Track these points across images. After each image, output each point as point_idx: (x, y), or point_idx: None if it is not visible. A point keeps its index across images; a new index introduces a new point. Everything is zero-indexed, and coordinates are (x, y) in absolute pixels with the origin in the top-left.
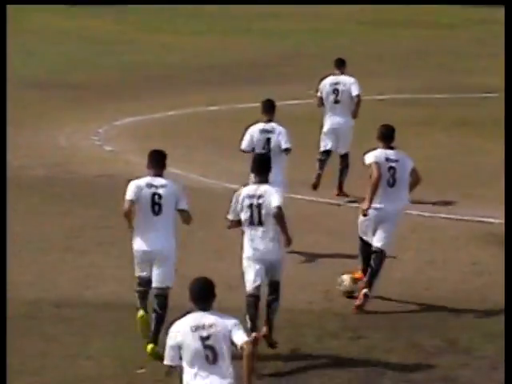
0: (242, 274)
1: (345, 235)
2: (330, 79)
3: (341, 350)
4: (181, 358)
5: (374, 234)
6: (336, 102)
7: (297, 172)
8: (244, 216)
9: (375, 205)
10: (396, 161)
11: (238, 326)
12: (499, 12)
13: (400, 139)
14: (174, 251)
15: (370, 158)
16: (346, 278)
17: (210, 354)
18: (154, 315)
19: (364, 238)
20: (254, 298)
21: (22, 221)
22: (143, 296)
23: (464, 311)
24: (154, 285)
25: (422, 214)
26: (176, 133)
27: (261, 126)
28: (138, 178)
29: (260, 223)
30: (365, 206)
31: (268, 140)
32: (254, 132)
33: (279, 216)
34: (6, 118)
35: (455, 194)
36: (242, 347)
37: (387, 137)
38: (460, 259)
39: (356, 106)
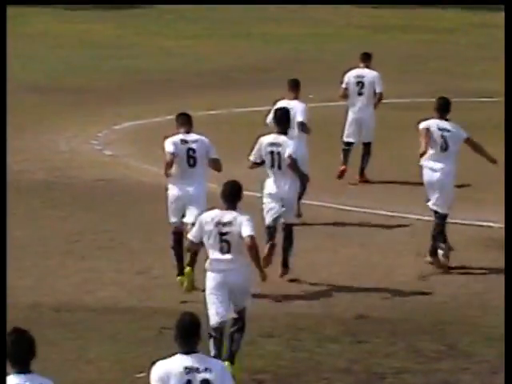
0: None
1: (345, 238)
2: (354, 72)
3: (341, 355)
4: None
5: (432, 195)
6: (359, 94)
7: None
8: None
9: (430, 165)
10: (448, 131)
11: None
12: (499, 16)
13: (400, 143)
14: (204, 196)
15: (422, 124)
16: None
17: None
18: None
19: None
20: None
21: (22, 225)
22: (179, 240)
23: (464, 316)
24: (185, 219)
25: (421, 217)
26: None
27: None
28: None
29: None
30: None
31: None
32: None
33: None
34: (6, 122)
35: (457, 198)
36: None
37: (442, 108)
38: (460, 263)
39: (377, 101)
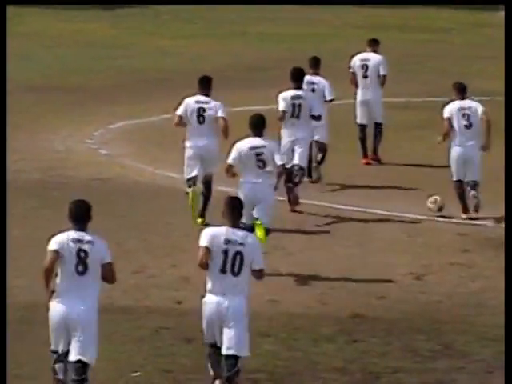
0: None
1: (341, 237)
2: (360, 56)
3: (336, 354)
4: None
5: (463, 169)
6: (364, 76)
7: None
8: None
9: (458, 145)
10: (469, 108)
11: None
12: (494, 16)
13: (396, 143)
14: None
15: (445, 111)
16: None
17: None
18: (202, 197)
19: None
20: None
21: (18, 224)
22: (193, 183)
23: (460, 315)
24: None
25: (417, 217)
26: (172, 136)
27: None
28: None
29: None
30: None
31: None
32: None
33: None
34: (6, 122)
35: (451, 198)
36: None
37: (461, 90)
38: (456, 263)
39: (381, 84)
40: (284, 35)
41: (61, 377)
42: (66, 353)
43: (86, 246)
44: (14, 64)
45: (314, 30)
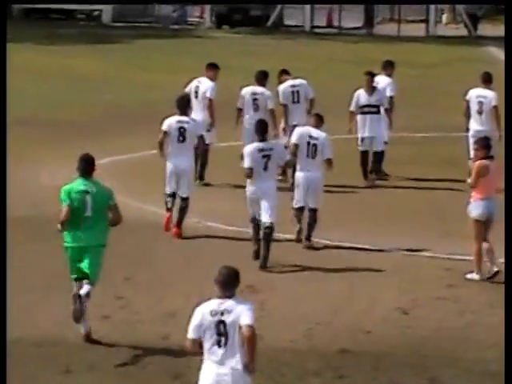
0: None
1: (327, 272)
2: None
3: None
4: None
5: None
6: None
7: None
8: None
9: (473, 127)
10: (484, 97)
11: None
12: (482, 51)
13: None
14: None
15: (467, 95)
16: None
17: None
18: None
19: None
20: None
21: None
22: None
23: (446, 350)
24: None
25: (404, 252)
26: (158, 171)
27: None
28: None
29: None
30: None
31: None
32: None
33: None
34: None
35: (439, 232)
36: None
37: (485, 79)
38: (442, 298)
39: (390, 106)
40: (269, 69)
41: None
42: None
43: (186, 125)
44: None
45: (300, 64)
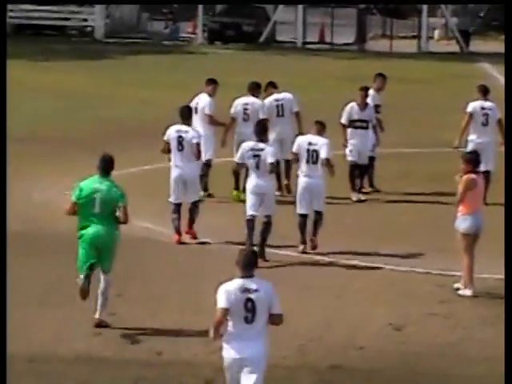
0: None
1: (318, 288)
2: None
3: None
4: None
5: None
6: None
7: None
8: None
9: (474, 139)
10: (490, 109)
11: None
12: (474, 66)
13: (375, 194)
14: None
15: (469, 107)
16: None
17: None
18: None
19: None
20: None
21: None
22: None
23: (439, 366)
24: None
25: (396, 268)
26: (152, 187)
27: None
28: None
29: None
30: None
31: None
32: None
33: None
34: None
35: (429, 248)
36: None
37: (484, 92)
38: (434, 314)
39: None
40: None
41: None
42: None
43: (183, 134)
44: None
45: (292, 80)
